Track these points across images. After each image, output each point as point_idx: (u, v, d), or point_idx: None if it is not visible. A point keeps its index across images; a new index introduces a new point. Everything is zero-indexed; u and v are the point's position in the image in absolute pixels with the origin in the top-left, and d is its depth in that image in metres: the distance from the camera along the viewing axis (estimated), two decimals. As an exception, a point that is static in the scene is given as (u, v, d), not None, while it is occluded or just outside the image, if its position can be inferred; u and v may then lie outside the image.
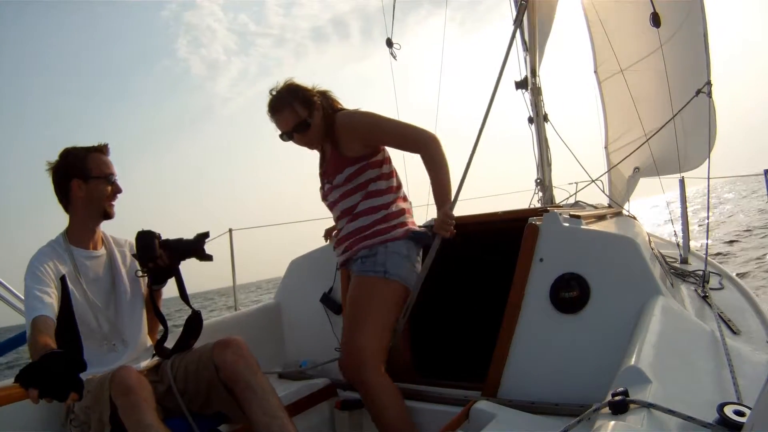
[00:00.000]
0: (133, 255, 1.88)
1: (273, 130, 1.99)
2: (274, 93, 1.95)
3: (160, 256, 1.77)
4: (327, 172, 2.01)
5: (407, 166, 2.44)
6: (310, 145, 2.00)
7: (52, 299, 1.52)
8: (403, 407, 1.79)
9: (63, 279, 1.62)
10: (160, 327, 1.96)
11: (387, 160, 2.00)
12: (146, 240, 1.76)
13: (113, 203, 1.79)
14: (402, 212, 1.96)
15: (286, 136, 1.95)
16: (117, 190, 1.79)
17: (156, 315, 1.90)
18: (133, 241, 1.82)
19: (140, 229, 1.78)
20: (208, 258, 1.85)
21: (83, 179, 1.71)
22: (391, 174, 2.01)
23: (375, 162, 1.95)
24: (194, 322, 1.85)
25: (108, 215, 1.79)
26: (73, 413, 1.58)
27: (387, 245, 1.86)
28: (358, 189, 1.93)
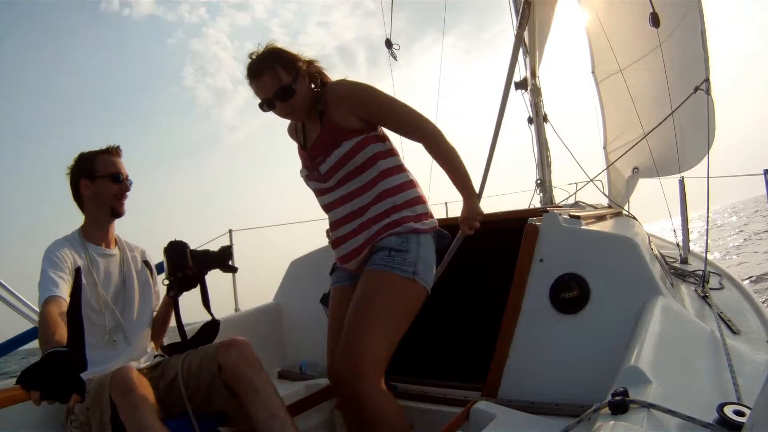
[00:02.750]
0: (144, 261, 1.94)
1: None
2: (254, 56, 1.68)
3: (190, 266, 1.83)
4: (317, 149, 1.70)
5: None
6: (294, 116, 1.73)
7: (67, 285, 1.56)
8: (407, 426, 1.56)
9: (78, 270, 1.66)
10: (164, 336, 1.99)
11: (387, 137, 1.73)
12: (180, 250, 1.82)
13: (122, 201, 1.83)
14: (423, 199, 1.73)
15: (266, 104, 1.69)
16: (124, 188, 1.82)
17: (177, 323, 1.93)
18: (144, 248, 1.93)
19: (172, 239, 1.84)
20: (233, 269, 1.97)
21: (90, 179, 1.79)
22: (395, 152, 1.74)
23: (378, 135, 1.69)
24: (210, 328, 1.90)
25: (117, 213, 1.83)
26: (73, 414, 1.59)
27: (419, 238, 1.62)
28: (367, 166, 1.65)
